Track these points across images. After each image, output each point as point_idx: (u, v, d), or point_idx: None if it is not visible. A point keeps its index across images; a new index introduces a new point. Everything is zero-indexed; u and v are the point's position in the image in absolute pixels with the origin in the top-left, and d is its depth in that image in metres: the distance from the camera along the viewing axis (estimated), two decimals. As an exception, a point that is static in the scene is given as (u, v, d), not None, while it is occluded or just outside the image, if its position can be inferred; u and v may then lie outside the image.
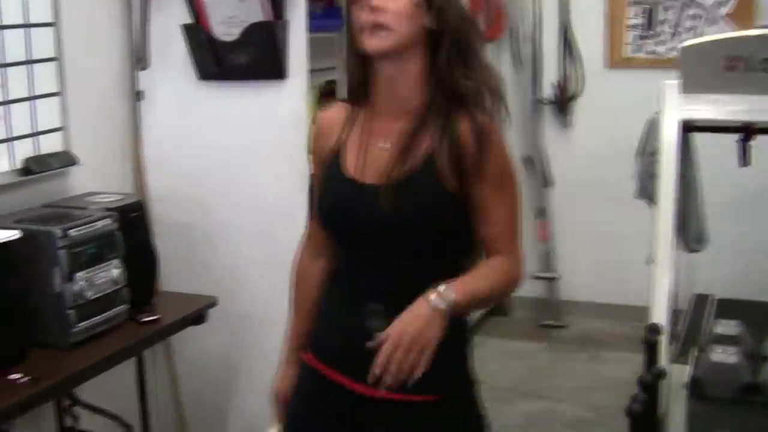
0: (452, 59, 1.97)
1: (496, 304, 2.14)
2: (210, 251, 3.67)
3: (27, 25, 3.15)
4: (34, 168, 3.19)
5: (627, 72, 5.28)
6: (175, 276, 3.65)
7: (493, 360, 4.94)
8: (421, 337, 1.85)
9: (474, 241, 2.06)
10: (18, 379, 2.67)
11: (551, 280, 5.60)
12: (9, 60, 3.09)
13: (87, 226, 2.95)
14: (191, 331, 3.49)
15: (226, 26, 3.44)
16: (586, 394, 4.60)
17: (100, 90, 3.53)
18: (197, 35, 3.48)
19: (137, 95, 3.64)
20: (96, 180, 3.44)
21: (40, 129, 3.23)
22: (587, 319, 5.51)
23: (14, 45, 3.11)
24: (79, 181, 3.40)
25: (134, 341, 3.04)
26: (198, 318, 3.37)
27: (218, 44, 3.46)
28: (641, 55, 5.30)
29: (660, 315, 2.99)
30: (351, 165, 2.06)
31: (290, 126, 3.46)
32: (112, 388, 3.32)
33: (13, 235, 2.77)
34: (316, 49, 3.54)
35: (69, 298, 2.86)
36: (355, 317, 2.03)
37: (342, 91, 4.37)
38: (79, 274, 2.89)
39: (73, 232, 2.88)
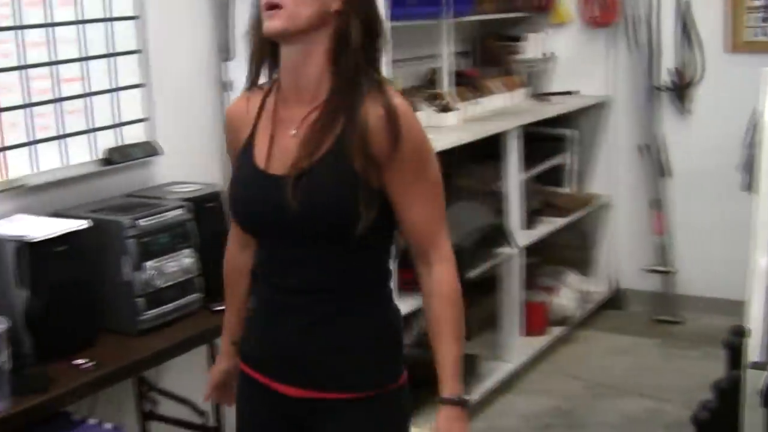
0: (360, 42, 1.87)
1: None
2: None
3: (110, 19, 3.24)
4: (116, 158, 3.27)
5: (748, 57, 5.02)
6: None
7: (600, 355, 4.83)
8: None
9: (397, 232, 1.98)
10: (83, 364, 2.76)
11: (667, 273, 5.41)
12: (92, 53, 3.19)
13: (159, 216, 3.02)
14: None
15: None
16: (694, 395, 4.41)
17: (186, 81, 3.59)
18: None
19: (224, 86, 3.70)
20: (181, 169, 3.50)
21: (123, 120, 3.32)
22: (704, 315, 5.29)
23: (97, 38, 3.21)
24: (163, 171, 3.48)
25: (204, 329, 3.07)
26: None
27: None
28: (763, 38, 5.04)
29: (753, 316, 2.83)
30: (260, 155, 1.96)
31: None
32: (188, 375, 3.38)
33: (82, 225, 2.86)
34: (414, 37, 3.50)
35: (138, 287, 2.92)
36: (273, 317, 1.99)
37: (443, 80, 4.42)
38: (149, 263, 2.95)
39: (143, 222, 2.94)
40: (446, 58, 4.38)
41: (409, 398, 2.11)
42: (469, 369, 4.20)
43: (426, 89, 4.41)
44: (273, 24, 1.84)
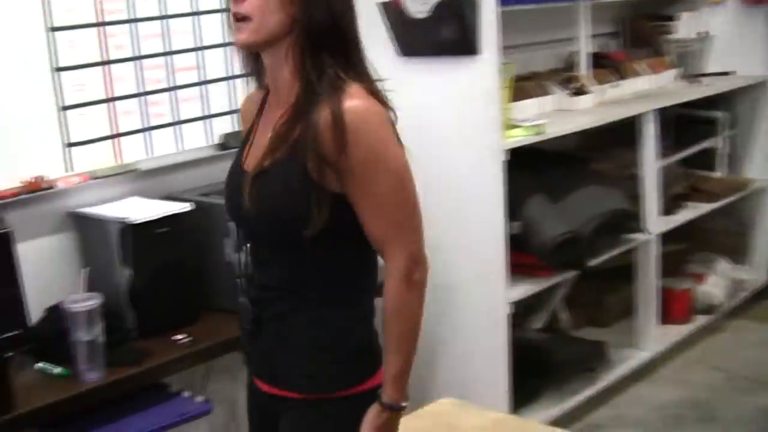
0: (317, 46, 1.86)
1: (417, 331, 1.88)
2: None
3: (225, 10, 3.38)
4: (230, 143, 3.42)
5: None
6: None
7: (748, 346, 4.62)
8: None
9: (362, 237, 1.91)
10: (180, 339, 2.93)
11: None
12: (207, 43, 3.35)
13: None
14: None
15: (418, 3, 3.48)
16: None
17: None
18: (392, 13, 3.56)
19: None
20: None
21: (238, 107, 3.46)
22: None
23: (212, 29, 3.36)
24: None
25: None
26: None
27: (412, 21, 3.52)
28: None
29: None
30: (246, 152, 2.00)
31: (482, 102, 3.45)
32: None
33: (185, 208, 3.02)
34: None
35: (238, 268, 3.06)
36: (253, 311, 2.00)
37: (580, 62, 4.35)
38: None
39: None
40: (583, 40, 4.30)
41: (364, 409, 1.96)
42: (598, 356, 4.14)
43: (564, 72, 4.35)
44: (241, 37, 1.88)
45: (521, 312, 4.27)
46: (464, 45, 3.42)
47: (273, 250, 1.94)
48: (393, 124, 1.96)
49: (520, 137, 3.57)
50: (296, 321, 1.94)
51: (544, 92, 4.18)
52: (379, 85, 1.96)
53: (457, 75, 3.51)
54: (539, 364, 3.92)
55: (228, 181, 2.03)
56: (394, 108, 1.99)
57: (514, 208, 3.68)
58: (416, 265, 1.90)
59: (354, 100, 1.84)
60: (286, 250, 1.92)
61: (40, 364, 2.76)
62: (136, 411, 2.77)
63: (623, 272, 4.40)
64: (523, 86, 4.11)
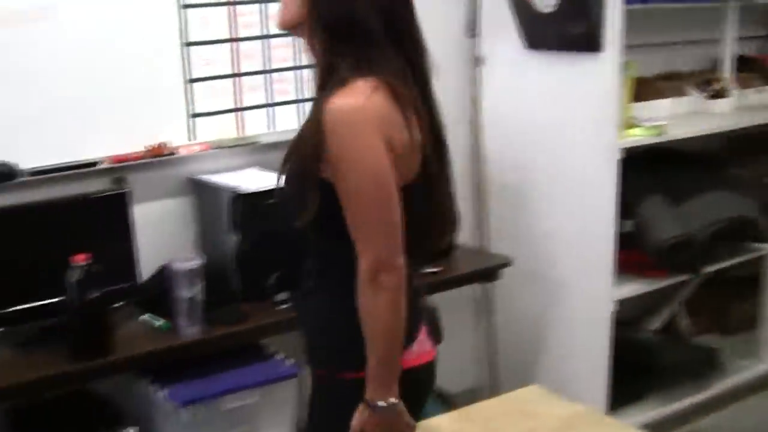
0: (323, 40, 1.93)
1: (391, 332, 1.91)
2: (530, 215, 3.80)
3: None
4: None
5: None
6: (498, 234, 3.88)
7: None
8: None
9: None
10: (280, 304, 3.09)
11: None
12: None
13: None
14: (510, 290, 3.83)
15: (545, -1, 3.53)
16: None
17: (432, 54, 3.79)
18: (521, 5, 3.61)
19: (476, 61, 3.87)
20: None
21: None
22: None
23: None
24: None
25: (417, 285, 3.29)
26: (488, 275, 3.56)
27: (538, 14, 3.56)
28: None
29: None
30: None
31: (601, 100, 3.46)
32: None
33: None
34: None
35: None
36: None
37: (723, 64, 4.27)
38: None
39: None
40: (729, 42, 4.22)
41: (360, 395, 2.00)
42: (711, 362, 4.09)
43: (706, 74, 4.28)
44: (278, 17, 2.03)
45: (639, 313, 4.30)
46: (587, 41, 3.44)
47: (310, 234, 2.04)
48: (391, 123, 1.92)
49: (638, 137, 3.57)
50: (313, 301, 2.07)
51: (681, 93, 4.13)
52: (402, 79, 1.94)
53: (578, 70, 3.52)
54: (646, 365, 3.92)
55: None
56: (406, 105, 1.96)
57: (631, 206, 3.69)
58: (381, 270, 1.90)
59: (341, 99, 1.87)
60: (309, 233, 2.01)
61: (145, 316, 2.99)
62: (228, 368, 2.96)
63: (753, 281, 4.32)
64: (659, 86, 4.09)
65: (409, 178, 1.98)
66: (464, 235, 3.83)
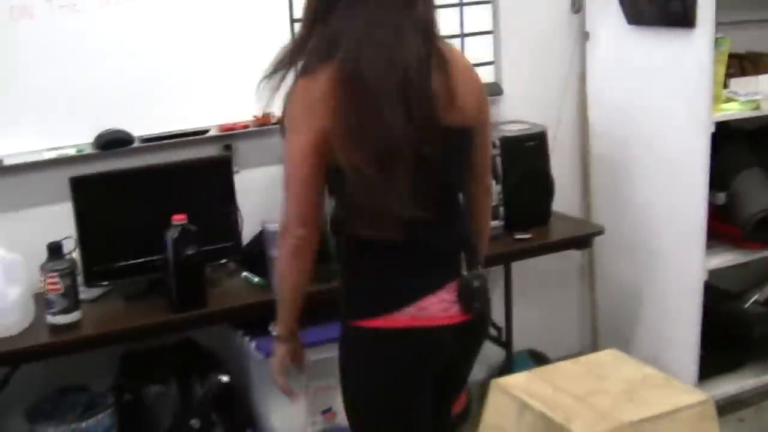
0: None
1: (284, 281, 2.30)
2: (629, 187, 3.88)
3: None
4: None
5: None
6: (601, 205, 3.99)
7: None
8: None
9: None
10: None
11: None
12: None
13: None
14: (612, 259, 4.02)
15: (643, -26, 3.59)
16: None
17: (539, 30, 3.92)
18: (621, -18, 3.69)
19: (585, 36, 3.96)
20: (528, 110, 3.89)
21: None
22: None
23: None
24: (507, 109, 3.90)
25: (502, 252, 3.48)
26: (581, 243, 3.67)
27: (637, -8, 3.64)
28: None
29: None
30: None
31: (695, 74, 3.51)
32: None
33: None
34: None
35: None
36: None
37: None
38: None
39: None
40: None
41: (372, 343, 2.23)
42: None
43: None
44: None
45: (743, 285, 4.32)
46: (682, 17, 3.49)
47: None
48: (319, 97, 2.08)
49: (733, 111, 3.60)
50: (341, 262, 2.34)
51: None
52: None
53: (674, 46, 3.58)
54: (743, 336, 3.94)
55: None
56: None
57: (727, 179, 3.73)
58: (283, 230, 2.21)
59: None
60: None
61: (245, 274, 3.26)
62: (317, 323, 3.19)
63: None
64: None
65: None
66: (569, 206, 3.99)
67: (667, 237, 3.75)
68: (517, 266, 3.88)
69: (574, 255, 4.10)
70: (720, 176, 3.73)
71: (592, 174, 4.06)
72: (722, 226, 3.81)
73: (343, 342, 2.30)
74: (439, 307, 2.22)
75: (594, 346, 4.17)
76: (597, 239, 3.99)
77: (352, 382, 2.29)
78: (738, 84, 3.86)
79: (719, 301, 4.13)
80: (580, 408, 2.95)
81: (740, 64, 4.04)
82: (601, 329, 4.19)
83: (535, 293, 4.12)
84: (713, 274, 3.77)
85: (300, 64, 2.15)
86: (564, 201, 3.95)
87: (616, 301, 4.08)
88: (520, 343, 3.95)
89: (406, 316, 2.19)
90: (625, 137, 3.86)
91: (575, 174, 4.09)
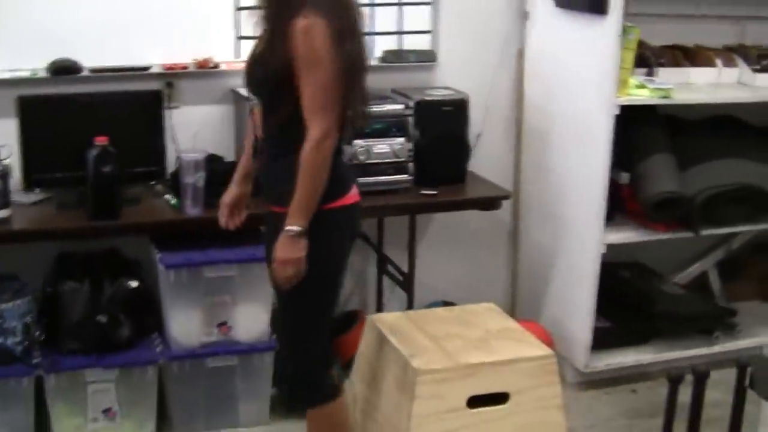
0: None
1: (322, 181, 2.76)
2: (552, 159, 4.18)
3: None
4: (389, 59, 4.10)
5: None
6: (529, 173, 4.36)
7: None
8: (291, 258, 2.76)
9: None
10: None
11: None
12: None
13: (380, 107, 3.79)
14: (535, 225, 4.36)
15: (564, -39, 3.87)
16: None
17: (480, 5, 4.24)
18: (548, -33, 3.98)
19: (524, 15, 4.26)
20: (459, 79, 4.21)
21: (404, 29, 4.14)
22: None
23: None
24: (440, 77, 4.24)
25: (403, 203, 3.86)
26: (487, 204, 3.99)
27: (561, -24, 3.93)
28: None
29: None
30: None
31: (603, 58, 3.78)
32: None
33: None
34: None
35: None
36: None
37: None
38: (359, 141, 3.75)
39: (361, 109, 3.71)
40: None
41: (336, 225, 2.86)
42: (721, 322, 4.30)
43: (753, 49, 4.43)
44: None
45: (672, 267, 4.58)
46: (596, 4, 3.76)
47: None
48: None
49: (642, 97, 3.86)
50: (278, 163, 2.85)
51: (733, 64, 4.32)
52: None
53: (588, 30, 3.86)
54: (647, 312, 4.19)
55: None
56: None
57: (636, 160, 4.00)
58: (325, 135, 2.69)
59: (301, 20, 2.65)
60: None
61: (167, 196, 3.69)
62: (221, 246, 3.60)
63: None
64: (709, 55, 4.31)
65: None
66: (501, 172, 4.31)
67: (576, 209, 4.04)
68: (448, 223, 4.28)
69: (504, 218, 4.43)
70: (630, 157, 4.01)
71: (524, 144, 4.36)
72: (633, 204, 4.08)
73: (315, 224, 2.78)
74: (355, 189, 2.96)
75: (512, 306, 4.49)
76: (523, 205, 4.35)
77: (324, 254, 2.83)
78: (667, 73, 4.13)
79: (640, 277, 4.41)
80: (430, 347, 3.31)
81: (673, 55, 4.29)
82: (520, 290, 4.51)
83: (465, 250, 4.48)
84: (647, 251, 4.27)
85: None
86: (496, 167, 4.31)
87: (535, 265, 4.39)
88: (440, 293, 4.30)
89: (354, 193, 2.91)
90: (553, 111, 4.15)
91: (509, 143, 4.39)
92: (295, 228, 2.73)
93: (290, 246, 2.74)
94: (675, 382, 2.81)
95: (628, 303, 4.23)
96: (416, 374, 3.13)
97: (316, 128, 2.68)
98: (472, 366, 3.22)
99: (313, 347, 2.96)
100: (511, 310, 4.42)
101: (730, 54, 4.37)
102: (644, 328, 4.21)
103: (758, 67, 4.27)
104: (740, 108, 4.31)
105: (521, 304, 4.48)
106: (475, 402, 3.21)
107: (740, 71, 4.32)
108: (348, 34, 2.74)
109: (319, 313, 2.96)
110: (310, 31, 2.64)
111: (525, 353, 3.32)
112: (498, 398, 3.24)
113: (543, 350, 3.35)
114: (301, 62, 2.65)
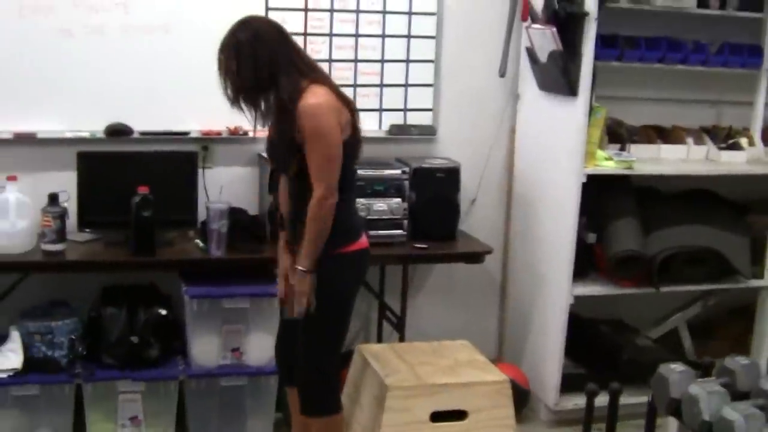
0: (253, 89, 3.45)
1: (323, 231, 3.38)
2: (535, 222, 4.79)
3: (409, 36, 4.72)
4: (394, 132, 4.77)
5: None
6: (517, 234, 4.94)
7: None
8: (302, 291, 3.44)
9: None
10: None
11: None
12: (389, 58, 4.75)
13: (380, 171, 4.46)
14: (520, 279, 4.97)
15: (541, 51, 4.50)
16: None
17: (476, 87, 4.91)
18: (531, 56, 4.62)
19: (516, 96, 4.90)
20: (458, 151, 4.87)
21: (409, 107, 4.80)
22: None
23: (397, 47, 4.74)
24: (440, 149, 4.91)
25: (400, 254, 4.49)
26: (471, 258, 4.59)
27: (540, 64, 4.56)
28: None
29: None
30: None
31: (574, 135, 4.41)
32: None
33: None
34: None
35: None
36: None
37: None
38: (361, 200, 4.38)
39: (364, 172, 4.37)
40: (759, 105, 4.88)
41: (347, 266, 3.52)
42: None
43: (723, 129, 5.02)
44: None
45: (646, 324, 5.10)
46: (568, 88, 4.39)
47: None
48: (340, 111, 3.36)
49: (607, 167, 4.46)
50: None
51: (702, 142, 4.90)
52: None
53: (564, 110, 4.50)
54: (615, 360, 4.70)
55: None
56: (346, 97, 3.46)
57: (604, 222, 4.59)
58: (326, 196, 3.32)
59: (309, 99, 3.31)
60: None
61: (197, 240, 4.37)
62: (239, 282, 4.25)
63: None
64: (678, 133, 4.90)
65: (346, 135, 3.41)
66: (493, 234, 4.93)
67: (550, 265, 4.63)
68: (444, 276, 4.91)
69: (495, 272, 5.06)
70: (600, 221, 4.59)
71: (513, 208, 4.97)
72: (603, 263, 4.65)
73: (329, 265, 3.46)
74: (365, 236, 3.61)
75: (498, 351, 5.05)
76: (511, 261, 4.93)
77: (336, 289, 3.49)
78: (640, 149, 4.73)
79: (616, 331, 4.95)
80: (404, 371, 3.92)
81: (647, 133, 4.89)
82: (506, 337, 5.08)
83: (458, 300, 5.12)
84: (630, 310, 4.97)
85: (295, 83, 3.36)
86: (488, 228, 4.97)
87: (518, 315, 4.97)
88: (434, 338, 4.83)
89: (364, 240, 3.56)
90: (537, 180, 4.77)
91: (501, 208, 5.03)
92: (301, 268, 3.43)
93: (300, 282, 3.45)
94: (591, 395, 3.38)
95: (601, 352, 4.76)
96: (387, 389, 3.74)
97: (320, 189, 3.33)
98: (436, 386, 3.82)
99: (327, 363, 3.55)
100: (498, 354, 5.00)
101: (701, 133, 4.95)
102: (612, 375, 4.70)
103: (724, 145, 4.83)
104: (709, 181, 4.88)
105: (507, 349, 5.05)
106: (437, 417, 3.80)
107: (708, 149, 4.88)
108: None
109: (333, 335, 3.58)
110: (316, 111, 3.30)
111: (484, 378, 3.90)
112: (458, 415, 3.82)
113: (500, 377, 3.93)
114: (308, 137, 3.31)
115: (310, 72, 3.42)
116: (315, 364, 3.54)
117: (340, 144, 3.35)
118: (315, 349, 3.54)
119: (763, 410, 2.73)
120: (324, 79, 3.44)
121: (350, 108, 3.45)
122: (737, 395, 2.89)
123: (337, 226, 3.42)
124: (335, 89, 3.42)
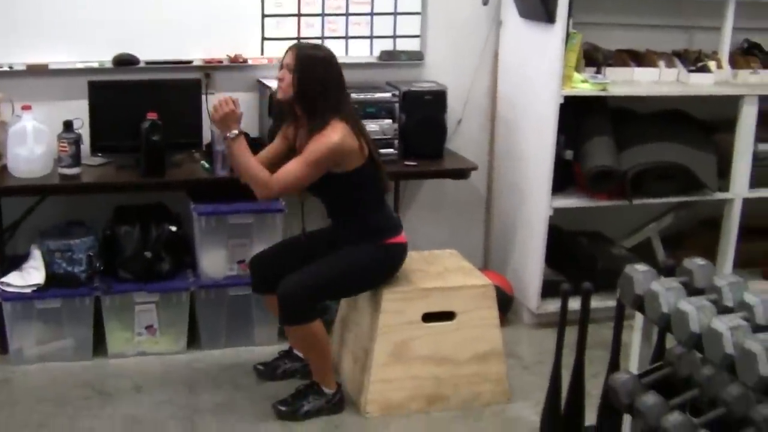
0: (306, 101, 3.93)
1: (240, 175, 4.00)
2: (516, 141, 5.12)
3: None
4: (384, 58, 5.07)
5: None
6: (500, 152, 5.26)
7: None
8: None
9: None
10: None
11: None
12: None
13: (372, 95, 4.78)
14: (504, 195, 5.30)
15: (521, -20, 4.81)
16: None
17: (461, 15, 5.22)
18: (512, -16, 4.93)
19: (499, 23, 5.21)
20: (444, 75, 5.18)
21: (398, 34, 5.10)
22: None
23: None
24: (427, 73, 5.21)
25: (388, 171, 4.66)
26: (457, 174, 4.95)
27: (521, -8, 4.88)
28: None
29: None
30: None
31: (552, 59, 4.72)
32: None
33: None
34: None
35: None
36: None
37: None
38: (354, 122, 4.70)
39: (357, 96, 4.67)
40: (727, 29, 5.18)
41: (387, 256, 4.10)
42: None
43: (697, 53, 5.30)
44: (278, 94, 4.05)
45: (621, 234, 5.47)
46: (546, 14, 4.69)
47: None
48: (347, 149, 3.88)
49: (583, 89, 4.77)
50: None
51: (673, 65, 5.21)
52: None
53: (543, 36, 4.80)
54: (592, 268, 5.06)
55: None
56: (364, 132, 3.99)
57: (581, 140, 4.92)
58: (267, 186, 3.89)
59: (329, 134, 3.85)
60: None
61: (202, 161, 4.69)
62: (242, 200, 4.57)
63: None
64: (652, 56, 5.21)
65: (360, 164, 3.94)
66: (478, 152, 5.25)
67: (532, 181, 4.97)
68: (433, 192, 5.25)
69: (480, 189, 5.42)
70: (576, 138, 4.92)
71: (496, 129, 5.30)
72: (580, 178, 5.00)
73: (374, 253, 4.06)
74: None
75: (485, 260, 5.43)
76: (495, 179, 5.28)
77: (368, 270, 4.07)
78: (614, 72, 5.05)
79: (594, 242, 5.32)
80: (398, 277, 4.26)
81: (622, 57, 5.20)
82: (491, 248, 5.45)
83: (446, 215, 5.47)
84: (607, 222, 5.30)
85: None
86: (473, 148, 5.30)
87: (502, 227, 5.34)
88: (425, 248, 5.19)
89: (402, 235, 4.14)
90: (518, 103, 5.09)
91: (485, 128, 5.36)
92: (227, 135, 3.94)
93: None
94: (565, 295, 3.73)
95: (579, 261, 5.13)
96: (383, 293, 4.09)
97: (278, 184, 3.87)
98: (427, 290, 4.17)
99: (317, 292, 3.98)
100: (484, 264, 5.38)
101: (672, 57, 5.26)
102: (589, 281, 5.07)
103: (694, 68, 5.15)
104: (679, 102, 5.21)
105: (492, 259, 5.42)
106: (428, 318, 4.16)
107: (679, 71, 5.20)
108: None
109: (339, 289, 4.16)
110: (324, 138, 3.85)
111: (470, 282, 4.26)
112: (447, 316, 4.19)
113: (484, 281, 4.28)
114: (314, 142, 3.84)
115: (344, 108, 3.94)
116: (308, 286, 3.92)
117: (322, 173, 3.88)
118: (318, 279, 3.95)
119: (714, 303, 3.06)
120: (347, 117, 3.93)
121: (366, 140, 3.96)
122: (693, 291, 3.20)
123: (381, 222, 4.07)
124: (353, 126, 3.93)
